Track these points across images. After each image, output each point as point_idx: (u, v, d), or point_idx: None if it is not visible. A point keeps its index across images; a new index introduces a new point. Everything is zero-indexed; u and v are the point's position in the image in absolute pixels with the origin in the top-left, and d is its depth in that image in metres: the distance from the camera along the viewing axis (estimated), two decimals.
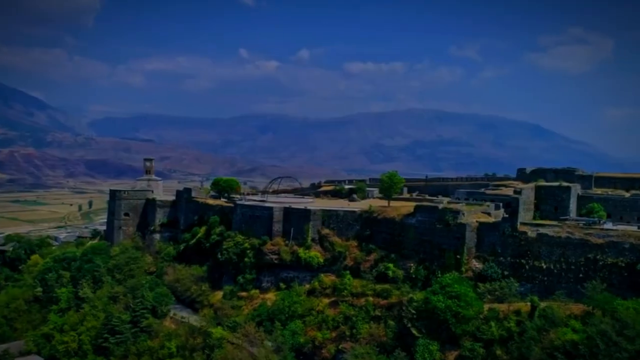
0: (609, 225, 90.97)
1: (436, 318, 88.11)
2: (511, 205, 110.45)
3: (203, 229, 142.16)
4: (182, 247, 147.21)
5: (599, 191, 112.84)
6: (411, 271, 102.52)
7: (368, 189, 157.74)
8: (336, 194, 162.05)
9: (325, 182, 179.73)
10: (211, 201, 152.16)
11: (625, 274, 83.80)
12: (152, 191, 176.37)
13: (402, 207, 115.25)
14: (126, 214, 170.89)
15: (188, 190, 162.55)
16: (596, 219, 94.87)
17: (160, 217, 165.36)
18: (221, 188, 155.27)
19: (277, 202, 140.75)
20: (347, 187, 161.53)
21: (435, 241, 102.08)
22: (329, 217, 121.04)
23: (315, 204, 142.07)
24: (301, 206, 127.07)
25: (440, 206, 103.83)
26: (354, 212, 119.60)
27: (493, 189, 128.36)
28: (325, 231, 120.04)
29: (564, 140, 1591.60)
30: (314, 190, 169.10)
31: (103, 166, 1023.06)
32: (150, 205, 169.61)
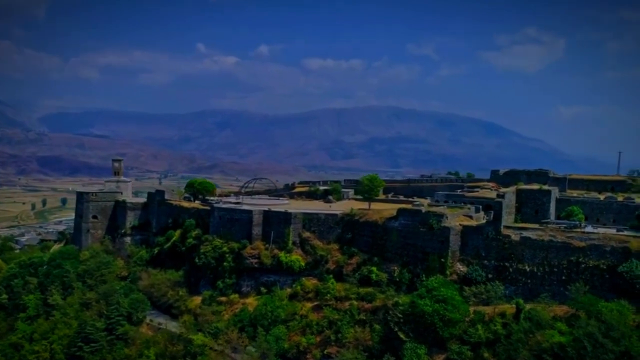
0: (590, 229, 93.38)
1: (423, 322, 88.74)
2: (491, 207, 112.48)
3: (178, 233, 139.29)
4: (156, 250, 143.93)
5: (574, 193, 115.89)
6: (395, 274, 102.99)
7: (343, 190, 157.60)
8: (311, 195, 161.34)
9: (299, 183, 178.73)
10: (186, 204, 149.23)
11: (607, 276, 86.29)
12: (122, 193, 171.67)
13: (383, 210, 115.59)
14: (94, 217, 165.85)
15: (161, 193, 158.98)
16: (577, 222, 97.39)
17: (131, 219, 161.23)
18: (196, 190, 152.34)
19: (253, 205, 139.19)
20: (322, 188, 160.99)
21: (418, 244, 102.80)
22: (309, 220, 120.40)
23: (291, 206, 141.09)
24: (279, 208, 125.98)
25: (424, 210, 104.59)
26: (335, 215, 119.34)
27: (470, 191, 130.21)
28: (306, 234, 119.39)
29: (518, 137, 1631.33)
30: (288, 192, 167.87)
31: (56, 163, 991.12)
32: (120, 207, 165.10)
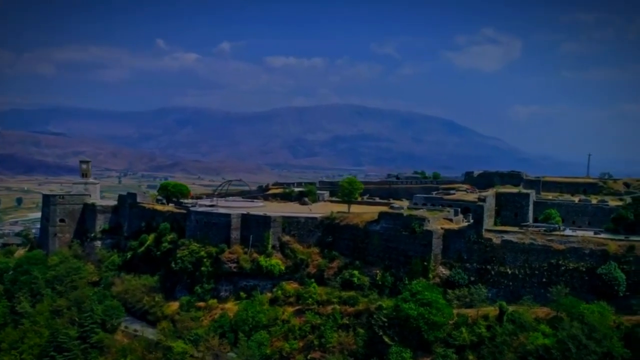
0: (569, 232, 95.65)
1: (408, 325, 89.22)
2: (469, 210, 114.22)
3: (152, 237, 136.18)
4: (128, 255, 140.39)
5: (550, 196, 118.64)
6: (377, 278, 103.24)
7: (319, 192, 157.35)
8: (286, 197, 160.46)
9: (273, 185, 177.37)
10: (160, 207, 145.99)
11: (586, 278, 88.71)
12: (90, 195, 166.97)
13: (364, 213, 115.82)
14: (62, 220, 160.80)
15: (132, 195, 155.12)
16: (556, 225, 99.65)
17: (101, 223, 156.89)
18: (169, 193, 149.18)
19: (229, 208, 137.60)
20: (297, 189, 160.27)
21: (401, 248, 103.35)
22: (289, 223, 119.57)
23: (268, 209, 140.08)
24: (258, 212, 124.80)
25: (405, 213, 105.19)
26: (314, 218, 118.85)
27: (446, 193, 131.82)
28: (286, 238, 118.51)
29: (477, 136, 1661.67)
30: (262, 193, 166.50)
31: (10, 161, 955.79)
32: (89, 210, 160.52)
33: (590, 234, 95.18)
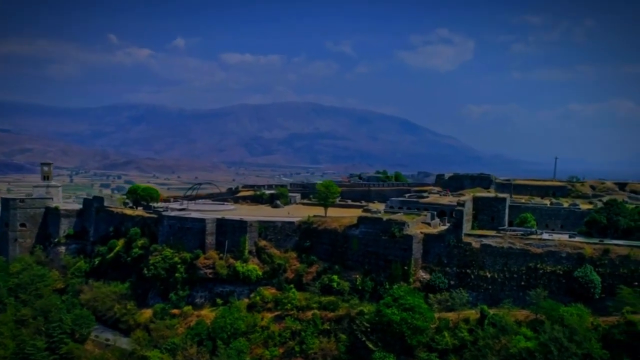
0: (546, 236, 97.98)
1: (391, 330, 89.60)
2: (445, 214, 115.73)
3: (122, 242, 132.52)
4: (96, 261, 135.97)
5: (522, 199, 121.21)
6: (357, 283, 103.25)
7: (290, 194, 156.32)
8: (256, 200, 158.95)
9: (243, 187, 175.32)
10: (129, 211, 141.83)
11: (563, 281, 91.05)
12: (52, 199, 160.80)
13: (342, 217, 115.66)
14: (22, 225, 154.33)
15: (99, 199, 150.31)
16: (533, 229, 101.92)
17: (65, 227, 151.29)
18: (139, 197, 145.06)
19: (200, 211, 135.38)
20: (268, 192, 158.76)
21: (380, 252, 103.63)
22: (266, 228, 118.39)
23: (240, 212, 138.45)
24: (234, 216, 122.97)
25: (385, 218, 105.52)
26: (292, 223, 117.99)
27: (419, 196, 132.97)
28: (263, 243, 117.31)
29: (432, 134, 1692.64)
30: (232, 196, 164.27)
31: None
32: (52, 214, 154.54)
33: (565, 237, 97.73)
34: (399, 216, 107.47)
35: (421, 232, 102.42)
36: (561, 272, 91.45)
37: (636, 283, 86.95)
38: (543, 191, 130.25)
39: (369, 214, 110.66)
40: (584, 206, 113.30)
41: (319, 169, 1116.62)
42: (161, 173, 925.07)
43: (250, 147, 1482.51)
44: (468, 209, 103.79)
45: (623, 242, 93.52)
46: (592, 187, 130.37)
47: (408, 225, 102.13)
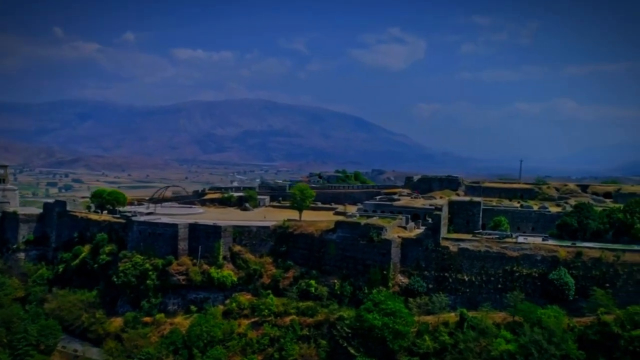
0: (521, 239, 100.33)
1: (372, 335, 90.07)
2: (419, 217, 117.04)
3: (87, 248, 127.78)
4: (60, 268, 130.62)
5: (493, 202, 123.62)
6: (336, 287, 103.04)
7: (259, 197, 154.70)
8: (224, 202, 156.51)
9: (210, 190, 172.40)
10: (94, 216, 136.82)
11: (539, 283, 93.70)
12: (9, 202, 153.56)
13: (319, 221, 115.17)
14: None
15: (61, 203, 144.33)
16: (509, 233, 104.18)
17: (24, 233, 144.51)
18: (104, 201, 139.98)
19: (167, 215, 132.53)
20: (236, 194, 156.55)
21: (359, 257, 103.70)
22: (240, 233, 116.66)
23: (209, 215, 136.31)
24: (206, 221, 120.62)
25: (362, 222, 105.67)
26: (267, 227, 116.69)
27: (390, 198, 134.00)
28: (238, 248, 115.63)
29: (384, 132, 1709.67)
30: (199, 199, 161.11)
31: None
32: (10, 219, 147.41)
33: (538, 240, 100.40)
34: (376, 220, 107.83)
35: (399, 236, 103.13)
36: (537, 275, 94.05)
37: (607, 285, 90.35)
38: (511, 193, 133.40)
39: (346, 219, 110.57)
40: (553, 209, 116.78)
41: (273, 167, 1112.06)
42: (111, 171, 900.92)
43: (202, 144, 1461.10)
44: (444, 213, 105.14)
45: (593, 244, 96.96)
46: (557, 189, 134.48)
47: (386, 230, 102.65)
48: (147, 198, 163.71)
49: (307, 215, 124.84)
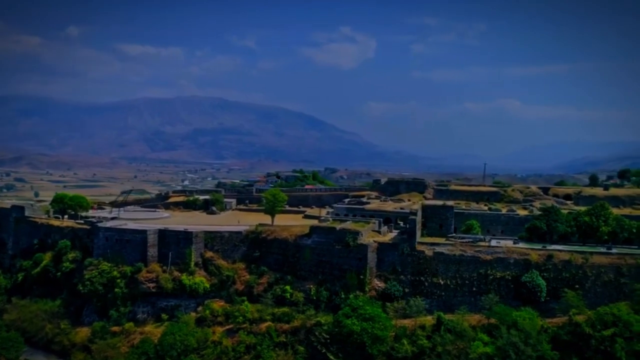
0: (494, 243, 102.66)
1: (351, 341, 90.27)
2: (391, 220, 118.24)
3: (49, 255, 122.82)
4: (19, 277, 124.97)
5: (463, 205, 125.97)
6: (312, 293, 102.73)
7: (226, 200, 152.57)
8: (189, 206, 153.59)
9: (173, 193, 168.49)
10: (56, 221, 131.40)
11: (512, 286, 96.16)
12: None
13: (292, 226, 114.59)
14: None
15: (19, 209, 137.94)
16: (482, 236, 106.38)
17: None
18: (66, 206, 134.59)
19: (131, 219, 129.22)
20: (201, 198, 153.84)
21: (334, 262, 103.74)
22: (212, 238, 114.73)
23: (176, 219, 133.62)
24: (177, 227, 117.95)
25: (338, 227, 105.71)
26: (239, 232, 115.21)
27: (360, 201, 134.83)
28: (209, 254, 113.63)
29: (336, 130, 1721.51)
30: (162, 202, 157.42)
31: None
32: None
33: (509, 243, 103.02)
34: (351, 225, 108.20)
35: (374, 241, 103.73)
36: (510, 278, 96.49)
37: (577, 286, 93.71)
38: (478, 196, 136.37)
39: (321, 224, 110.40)
40: (521, 212, 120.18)
41: (225, 165, 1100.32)
42: (56, 169, 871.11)
43: (151, 142, 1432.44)
44: (418, 217, 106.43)
45: (563, 247, 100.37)
46: (520, 192, 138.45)
47: (362, 235, 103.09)
48: (107, 202, 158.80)
49: (276, 219, 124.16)
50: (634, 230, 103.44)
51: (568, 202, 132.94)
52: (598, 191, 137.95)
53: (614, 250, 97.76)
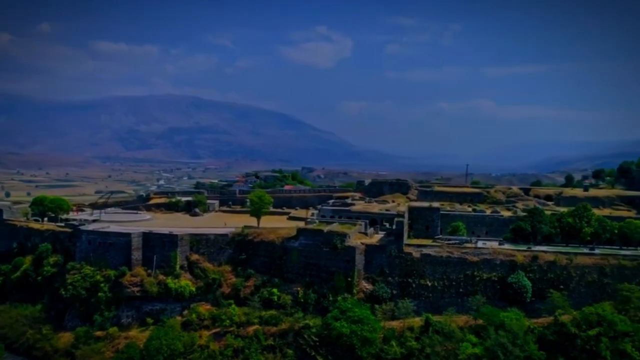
0: (480, 244, 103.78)
1: (341, 343, 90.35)
2: (377, 222, 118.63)
3: (29, 259, 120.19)
4: None
5: (447, 207, 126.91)
6: (299, 295, 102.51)
7: (209, 201, 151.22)
8: (171, 207, 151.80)
9: (155, 194, 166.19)
10: (36, 225, 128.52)
11: (498, 287, 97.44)
12: None
13: (279, 228, 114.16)
14: None
15: None
16: (468, 238, 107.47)
17: None
18: (46, 208, 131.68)
19: (113, 221, 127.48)
20: (184, 199, 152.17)
21: (322, 264, 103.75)
22: (197, 241, 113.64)
23: (158, 222, 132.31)
24: (163, 230, 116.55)
25: (325, 229, 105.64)
26: (225, 235, 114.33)
27: (344, 202, 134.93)
28: (195, 257, 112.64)
29: (312, 129, 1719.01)
30: (144, 204, 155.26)
31: None
32: None
33: (495, 244, 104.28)
34: (338, 227, 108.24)
35: (362, 243, 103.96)
36: (496, 279, 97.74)
37: (562, 286, 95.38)
38: (461, 197, 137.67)
39: (308, 226, 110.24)
40: (504, 213, 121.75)
41: (201, 164, 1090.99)
42: (27, 169, 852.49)
43: (125, 141, 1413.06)
44: (405, 219, 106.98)
45: (547, 247, 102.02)
46: (503, 193, 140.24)
47: (349, 237, 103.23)
48: (86, 204, 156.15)
49: (261, 221, 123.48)
50: (616, 231, 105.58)
51: (549, 202, 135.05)
52: (578, 192, 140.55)
53: (597, 251, 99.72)
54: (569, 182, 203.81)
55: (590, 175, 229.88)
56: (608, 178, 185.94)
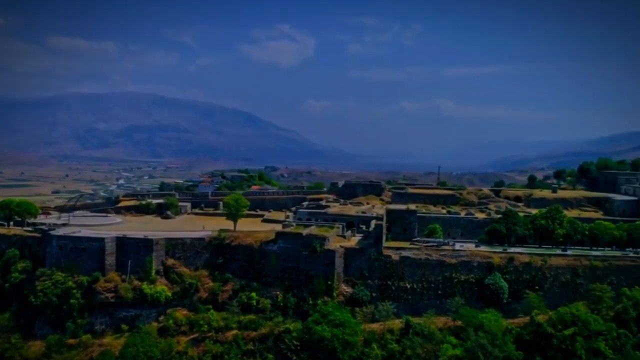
0: (457, 246, 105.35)
1: (322, 347, 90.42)
2: (353, 224, 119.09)
3: None
4: None
5: (423, 209, 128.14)
6: (279, 299, 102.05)
7: (180, 204, 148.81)
8: (142, 210, 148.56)
9: (124, 197, 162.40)
10: (2, 229, 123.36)
11: (476, 288, 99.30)
12: None
13: (257, 232, 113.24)
14: None
15: None
16: (445, 240, 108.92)
17: None
18: (12, 212, 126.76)
19: (84, 226, 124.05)
20: (154, 202, 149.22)
21: (301, 268, 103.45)
22: (173, 245, 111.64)
23: (130, 225, 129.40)
24: (138, 234, 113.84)
25: (304, 232, 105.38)
26: (202, 239, 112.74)
27: (319, 205, 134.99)
28: (171, 261, 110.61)
29: (274, 128, 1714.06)
30: (113, 206, 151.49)
31: None
32: None
33: (472, 246, 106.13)
34: (317, 230, 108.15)
35: (341, 246, 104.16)
36: (473, 280, 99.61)
37: (537, 287, 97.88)
38: (434, 199, 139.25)
39: (287, 229, 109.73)
40: (479, 215, 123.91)
41: (161, 163, 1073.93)
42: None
43: (83, 139, 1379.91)
44: (383, 222, 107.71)
45: (522, 249, 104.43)
46: (474, 194, 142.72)
47: (329, 240, 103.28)
48: (52, 207, 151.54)
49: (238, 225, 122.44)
50: (586, 232, 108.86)
51: (519, 204, 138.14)
52: (547, 194, 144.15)
53: (569, 252, 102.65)
54: (532, 182, 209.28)
55: (552, 175, 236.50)
56: (569, 178, 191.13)
